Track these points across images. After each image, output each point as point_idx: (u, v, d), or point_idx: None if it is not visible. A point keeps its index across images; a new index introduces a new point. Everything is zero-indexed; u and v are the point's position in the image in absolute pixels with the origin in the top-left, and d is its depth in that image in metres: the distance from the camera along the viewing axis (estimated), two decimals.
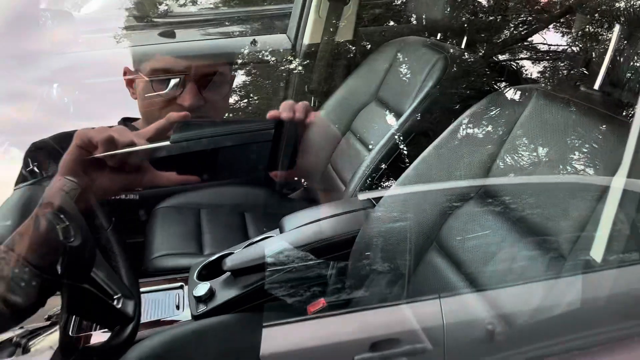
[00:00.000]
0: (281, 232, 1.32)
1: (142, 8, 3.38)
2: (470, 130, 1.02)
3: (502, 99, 1.03)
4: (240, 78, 1.94)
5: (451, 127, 1.05)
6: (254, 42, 1.92)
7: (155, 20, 3.42)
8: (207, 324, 1.11)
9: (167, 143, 1.90)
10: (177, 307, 1.25)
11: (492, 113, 1.01)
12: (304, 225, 1.28)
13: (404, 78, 1.64)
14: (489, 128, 0.98)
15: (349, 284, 1.14)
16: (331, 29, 1.86)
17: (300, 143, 1.95)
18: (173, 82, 1.87)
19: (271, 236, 1.34)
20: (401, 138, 1.41)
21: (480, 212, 0.97)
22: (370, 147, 1.62)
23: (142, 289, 1.32)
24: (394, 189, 1.12)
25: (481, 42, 2.13)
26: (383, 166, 1.43)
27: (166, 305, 1.27)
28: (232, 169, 2.04)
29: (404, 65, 1.68)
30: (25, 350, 1.19)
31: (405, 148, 1.42)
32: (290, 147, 2.04)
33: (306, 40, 1.89)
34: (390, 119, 1.61)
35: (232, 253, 1.32)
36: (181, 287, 1.32)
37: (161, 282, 1.36)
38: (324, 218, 1.29)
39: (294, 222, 1.31)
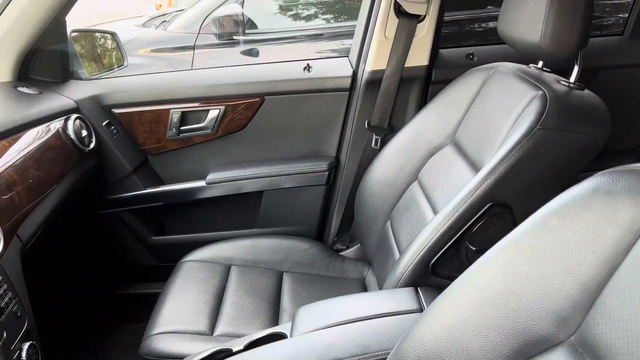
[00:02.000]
0: (292, 331, 0.97)
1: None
2: (567, 232, 0.60)
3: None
4: (289, 109, 1.62)
5: (536, 218, 0.65)
6: (307, 68, 1.60)
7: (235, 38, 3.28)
8: None
9: (202, 183, 1.66)
10: None
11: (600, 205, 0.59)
12: (321, 330, 0.92)
13: (488, 118, 1.22)
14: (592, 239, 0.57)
15: None
16: (400, 52, 1.49)
17: (357, 190, 1.60)
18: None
19: (280, 334, 1.00)
20: (472, 207, 1.00)
21: None
22: (436, 208, 1.22)
23: None
24: (445, 296, 0.73)
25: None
26: (445, 245, 1.03)
27: None
28: (277, 216, 1.75)
29: (490, 100, 1.26)
30: None
31: (477, 223, 1.01)
32: (347, 193, 1.69)
33: (369, 66, 1.53)
34: (467, 173, 1.19)
35: (229, 350, 0.99)
36: None
37: None
38: (350, 321, 0.92)
39: (312, 321, 0.96)
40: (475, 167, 1.18)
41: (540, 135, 0.98)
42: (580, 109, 1.04)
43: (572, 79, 1.11)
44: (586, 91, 1.10)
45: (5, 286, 0.96)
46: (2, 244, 0.95)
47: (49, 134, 1.32)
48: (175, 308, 1.30)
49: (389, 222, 1.44)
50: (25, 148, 1.20)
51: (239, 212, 1.74)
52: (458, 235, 1.02)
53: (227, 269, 1.49)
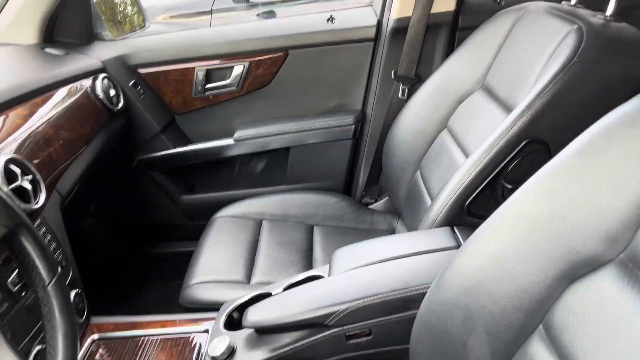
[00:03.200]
0: (330, 272, 0.98)
1: None
2: (614, 150, 0.59)
3: None
4: (313, 63, 1.61)
5: (581, 140, 0.64)
6: (330, 19, 1.58)
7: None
8: None
9: (230, 141, 1.67)
10: None
11: None
12: (359, 268, 0.93)
13: (519, 59, 1.19)
14: None
15: None
16: None
17: (385, 142, 1.59)
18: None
19: (319, 276, 1.01)
20: (507, 146, 0.99)
21: (622, 288, 0.55)
22: (468, 153, 1.21)
23: (167, 330, 1.08)
24: (486, 227, 0.73)
25: None
26: (480, 185, 1.02)
27: (185, 357, 1.00)
28: (304, 171, 1.76)
29: (521, 40, 1.23)
30: None
31: (513, 161, 1.00)
32: (374, 146, 1.69)
33: (394, 14, 1.50)
34: (499, 115, 1.17)
35: (269, 294, 1.01)
36: (206, 331, 1.05)
37: (191, 322, 1.10)
38: (388, 260, 0.93)
39: (348, 261, 0.97)
40: (508, 109, 1.16)
41: (577, 68, 0.96)
42: (620, 40, 1.01)
43: (609, 12, 1.07)
44: (624, 24, 1.06)
45: (49, 236, 0.99)
46: (45, 196, 0.97)
47: (79, 93, 1.33)
48: (212, 260, 1.32)
49: (418, 171, 1.43)
50: (58, 106, 1.22)
51: (266, 170, 1.75)
52: (493, 174, 1.01)
53: (259, 224, 1.51)
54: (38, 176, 0.97)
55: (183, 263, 1.44)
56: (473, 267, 0.71)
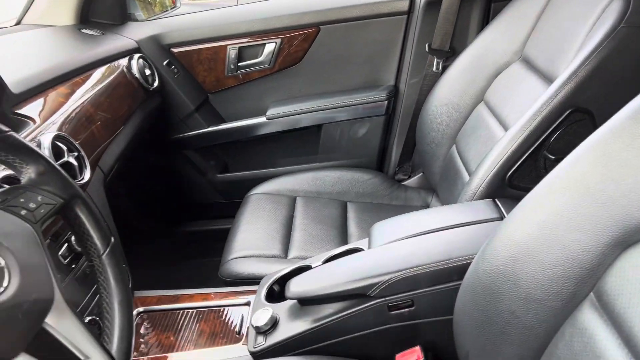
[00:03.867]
0: (370, 244, 0.99)
1: None
2: None
3: None
4: (345, 38, 1.59)
5: (633, 105, 0.62)
6: None
7: None
8: None
9: (262, 119, 1.68)
10: (238, 333, 1.00)
11: None
12: (401, 240, 0.93)
13: (561, 27, 1.16)
14: None
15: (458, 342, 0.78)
16: None
17: (419, 117, 1.57)
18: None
19: (358, 249, 1.02)
20: (551, 116, 0.97)
21: None
22: (507, 125, 1.19)
23: (208, 302, 1.10)
24: (533, 196, 0.72)
25: None
26: (522, 157, 1.00)
27: (227, 328, 1.02)
28: (336, 149, 1.75)
29: (562, 8, 1.19)
30: None
31: (556, 131, 0.97)
32: (408, 122, 1.67)
33: None
34: (539, 86, 1.15)
35: (309, 267, 1.03)
36: (247, 303, 1.07)
37: (232, 295, 1.12)
38: (429, 232, 0.92)
39: (388, 234, 0.97)
40: (549, 79, 1.13)
41: (625, 34, 0.93)
42: None
43: None
44: None
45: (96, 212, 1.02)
46: (89, 172, 1.00)
47: (116, 73, 1.35)
48: (249, 236, 1.34)
49: (454, 146, 1.41)
50: (97, 85, 1.24)
51: (299, 147, 1.75)
52: (536, 145, 0.99)
53: (293, 200, 1.52)
54: (82, 153, 0.99)
55: (218, 240, 1.46)
56: (521, 235, 0.70)
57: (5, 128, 0.60)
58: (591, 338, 0.59)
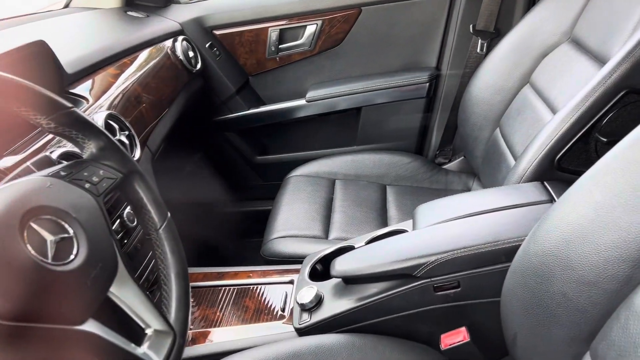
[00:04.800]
0: (414, 226, 0.99)
1: None
2: None
3: None
4: (387, 19, 1.58)
5: None
6: None
7: None
8: (304, 347, 0.84)
9: (302, 102, 1.68)
10: (283, 309, 1.02)
11: None
12: (447, 222, 0.92)
13: (614, 6, 1.12)
14: None
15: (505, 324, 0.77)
16: None
17: (461, 100, 1.55)
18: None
19: (402, 230, 1.02)
20: (604, 97, 0.94)
21: None
22: (555, 108, 1.16)
23: (252, 280, 1.12)
24: (589, 177, 0.70)
25: None
26: (572, 139, 0.98)
27: (270, 305, 1.04)
28: (376, 132, 1.75)
29: None
30: None
31: (609, 113, 0.95)
32: (449, 105, 1.65)
33: None
34: (590, 68, 1.12)
35: (352, 247, 1.03)
36: (291, 282, 1.08)
37: (275, 273, 1.14)
38: (476, 214, 0.92)
39: (433, 215, 0.97)
40: (601, 60, 1.10)
41: None
42: None
43: None
44: None
45: None
46: (140, 151, 1.02)
47: (161, 54, 1.38)
48: (289, 216, 1.35)
49: (497, 129, 1.39)
50: (143, 66, 1.26)
51: (338, 130, 1.75)
52: (587, 127, 0.97)
53: (332, 183, 1.52)
54: (133, 132, 1.02)
55: (258, 222, 1.48)
56: (575, 216, 0.69)
57: (68, 104, 0.63)
58: None
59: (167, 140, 1.30)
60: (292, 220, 1.34)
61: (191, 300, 1.09)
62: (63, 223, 0.53)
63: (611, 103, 0.94)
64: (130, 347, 0.55)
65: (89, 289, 0.52)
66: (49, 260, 0.50)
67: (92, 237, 0.55)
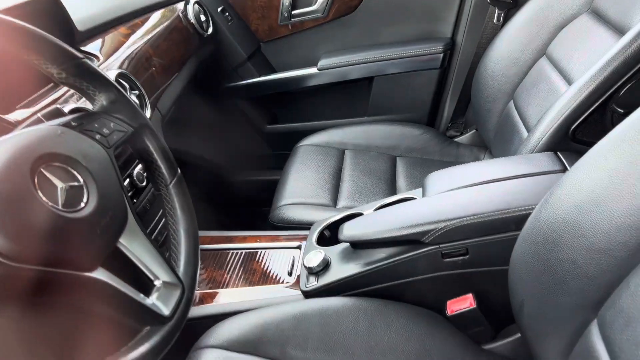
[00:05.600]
0: (424, 193, 0.98)
1: None
2: None
3: None
4: None
5: None
6: None
7: None
8: (310, 309, 0.85)
9: (313, 70, 1.66)
10: (290, 273, 1.02)
11: None
12: (457, 190, 0.92)
13: None
14: None
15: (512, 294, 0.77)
16: None
17: (476, 71, 1.52)
18: None
19: (411, 198, 1.01)
20: (623, 67, 0.92)
21: None
22: (572, 80, 1.14)
23: (260, 244, 1.13)
24: (604, 144, 0.69)
25: None
26: (588, 110, 0.96)
27: (278, 268, 1.05)
28: (387, 102, 1.73)
29: None
30: None
31: (627, 84, 0.93)
32: (463, 76, 1.62)
33: None
34: (610, 39, 1.09)
35: (360, 214, 1.03)
36: (298, 247, 1.09)
37: (283, 238, 1.14)
38: (487, 182, 0.91)
39: (444, 183, 0.96)
40: (621, 31, 1.07)
41: None
42: None
43: None
44: None
45: None
46: (150, 111, 1.02)
47: (172, 17, 1.36)
48: (298, 184, 1.35)
49: (511, 102, 1.37)
50: (155, 27, 1.25)
51: (349, 100, 1.73)
52: (604, 97, 0.95)
53: (342, 153, 1.51)
54: (144, 92, 1.01)
55: (267, 190, 1.48)
56: (589, 183, 0.68)
57: (79, 55, 0.62)
58: None
59: (177, 104, 1.30)
60: (301, 188, 1.34)
61: (200, 261, 1.10)
62: (73, 171, 0.53)
63: (630, 73, 0.92)
64: (139, 297, 0.56)
65: (99, 237, 0.53)
66: (59, 207, 0.50)
67: (102, 187, 0.55)
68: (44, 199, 0.49)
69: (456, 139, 1.62)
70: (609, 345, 0.64)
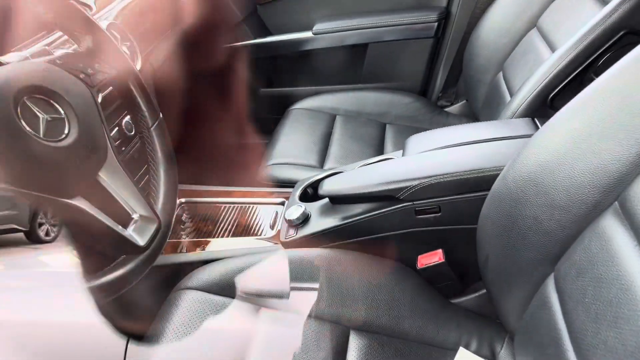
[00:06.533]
0: (404, 154, 1.01)
1: None
2: None
3: None
4: None
5: None
6: None
7: None
8: (288, 258, 0.89)
9: (309, 34, 1.67)
10: (272, 227, 1.06)
11: None
12: (434, 150, 0.95)
13: None
14: None
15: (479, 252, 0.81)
16: None
17: (468, 41, 1.53)
18: None
19: (391, 158, 1.04)
20: (602, 37, 0.94)
21: None
22: (557, 49, 1.16)
23: (246, 199, 1.17)
24: (570, 107, 0.72)
25: None
26: (567, 78, 0.99)
27: (262, 222, 1.09)
28: (381, 70, 1.74)
29: None
30: None
31: (606, 54, 0.95)
32: (456, 46, 1.64)
33: None
34: (597, 8, 1.10)
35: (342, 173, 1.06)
36: (282, 203, 1.12)
37: (268, 195, 1.17)
38: (463, 144, 0.94)
39: (422, 144, 0.99)
40: (606, 2, 1.09)
41: None
42: None
43: None
44: None
45: None
46: (140, 63, 1.04)
47: None
48: (288, 146, 1.38)
49: (500, 73, 1.39)
50: None
51: (343, 66, 1.75)
52: (583, 66, 0.97)
53: (333, 118, 1.54)
54: (135, 43, 1.03)
55: (259, 152, 1.50)
56: (553, 143, 0.71)
57: None
58: (608, 241, 0.61)
59: (170, 61, 1.32)
60: (290, 149, 1.37)
61: (186, 214, 1.14)
62: (56, 104, 0.56)
63: (609, 43, 0.94)
64: (118, 228, 0.59)
65: (78, 167, 0.56)
66: (41, 136, 0.53)
67: (83, 122, 0.58)
68: (26, 127, 0.52)
69: (446, 109, 1.64)
70: (561, 295, 0.68)
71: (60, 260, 0.65)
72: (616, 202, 0.64)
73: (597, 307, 0.59)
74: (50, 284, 0.67)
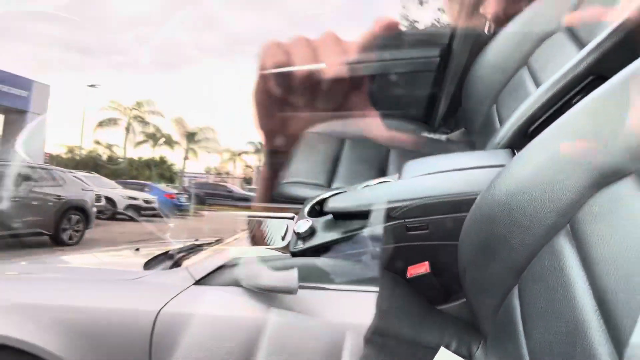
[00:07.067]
0: (400, 177, 1.15)
1: None
2: None
3: None
4: None
5: (623, 73, 0.74)
6: None
7: None
8: (294, 263, 1.03)
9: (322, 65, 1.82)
10: (282, 238, 1.21)
11: None
12: (425, 175, 1.09)
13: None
14: None
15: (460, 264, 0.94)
16: None
17: (467, 76, 1.68)
18: None
19: (389, 181, 1.19)
20: (574, 80, 1.07)
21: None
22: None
23: (260, 213, 1.32)
24: (537, 142, 0.86)
25: None
26: (545, 114, 1.12)
27: (274, 234, 1.23)
28: (386, 98, 1.88)
29: None
30: (176, 264, 1.29)
31: (577, 95, 1.08)
32: (456, 79, 1.78)
33: None
34: (575, 54, 1.24)
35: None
36: (292, 218, 1.27)
37: (281, 210, 1.32)
38: (451, 170, 1.08)
39: (416, 169, 1.13)
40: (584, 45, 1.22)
41: None
42: None
43: None
44: None
45: None
46: None
47: None
48: (302, 164, 1.53)
49: (494, 105, 1.53)
50: None
51: None
52: (560, 104, 1.11)
53: (342, 142, 1.69)
54: None
55: None
56: (520, 173, 0.86)
57: None
58: (558, 256, 0.75)
59: None
60: (303, 169, 1.52)
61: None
62: None
63: (580, 87, 1.08)
64: None
65: None
66: None
67: None
68: None
69: (446, 136, 1.78)
70: (522, 301, 0.81)
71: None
72: (568, 225, 0.77)
73: (545, 308, 0.72)
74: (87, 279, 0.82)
